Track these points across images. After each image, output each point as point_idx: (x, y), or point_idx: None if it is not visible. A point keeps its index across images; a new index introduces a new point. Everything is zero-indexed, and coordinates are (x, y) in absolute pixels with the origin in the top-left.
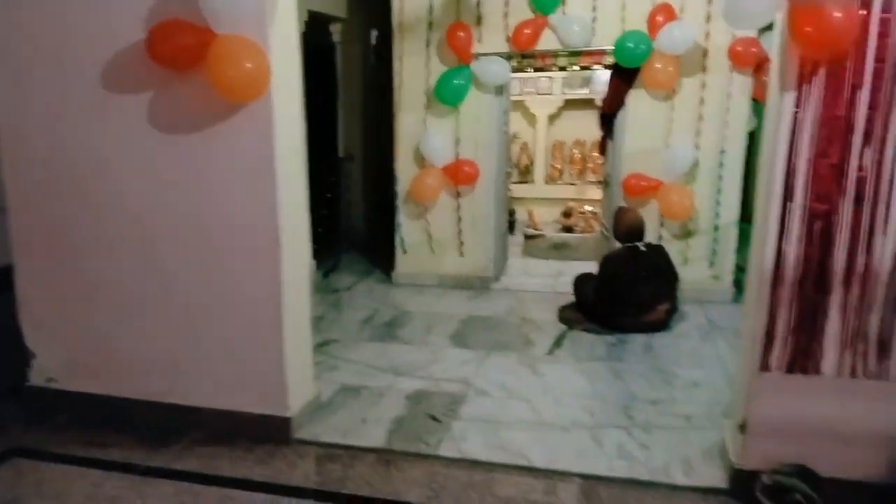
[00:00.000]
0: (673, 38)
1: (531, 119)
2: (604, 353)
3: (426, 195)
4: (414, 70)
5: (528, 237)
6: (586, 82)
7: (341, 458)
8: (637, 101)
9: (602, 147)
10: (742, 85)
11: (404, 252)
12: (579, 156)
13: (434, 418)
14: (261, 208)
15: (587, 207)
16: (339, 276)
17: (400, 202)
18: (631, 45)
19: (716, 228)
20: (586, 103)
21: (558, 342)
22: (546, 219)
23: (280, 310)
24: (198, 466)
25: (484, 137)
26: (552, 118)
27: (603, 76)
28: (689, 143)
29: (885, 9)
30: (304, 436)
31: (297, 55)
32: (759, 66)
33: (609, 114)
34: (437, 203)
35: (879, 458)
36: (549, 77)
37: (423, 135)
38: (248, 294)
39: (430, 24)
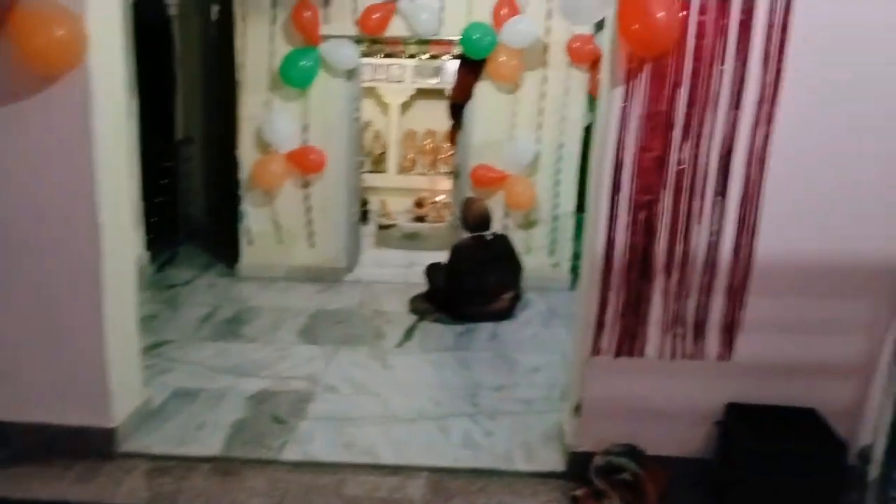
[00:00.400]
0: (516, 32)
1: (384, 107)
2: (452, 343)
3: (270, 183)
4: (258, 48)
5: (381, 227)
6: (437, 72)
7: (174, 470)
8: (484, 92)
9: (452, 137)
10: (579, 80)
11: (250, 243)
12: (431, 146)
13: (278, 420)
14: (76, 194)
15: (439, 197)
16: (177, 269)
17: (244, 190)
18: (477, 36)
19: (555, 219)
20: (438, 93)
21: (409, 334)
22: (399, 209)
23: (100, 308)
24: (5, 490)
25: (334, 123)
26: (405, 107)
27: (453, 66)
28: (532, 136)
29: (702, 11)
30: (131, 448)
31: (120, 22)
32: (594, 63)
33: (458, 104)
34: (282, 191)
35: (697, 434)
36: (401, 65)
37: (267, 118)
38: (63, 291)
39: (275, 1)
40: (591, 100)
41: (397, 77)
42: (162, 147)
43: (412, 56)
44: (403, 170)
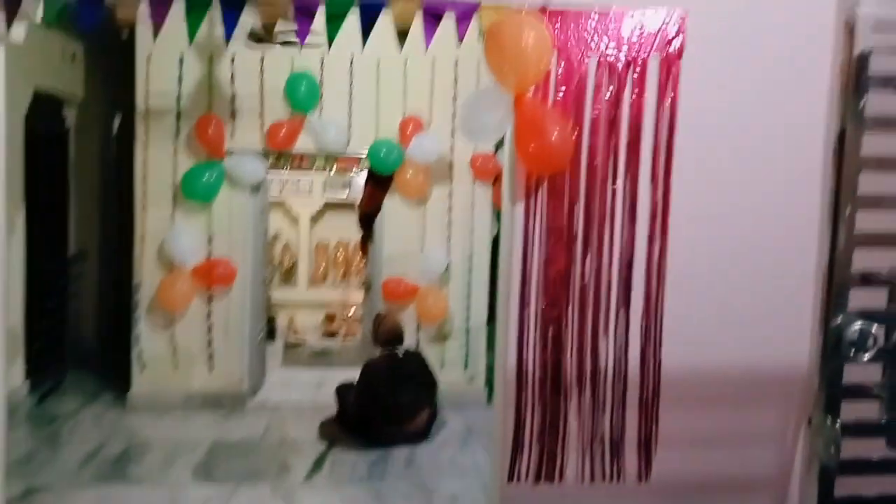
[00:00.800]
0: (422, 148)
1: (294, 219)
2: (365, 472)
3: (175, 302)
4: (160, 161)
5: (288, 345)
6: (346, 185)
7: None
8: (393, 205)
9: (363, 249)
10: (484, 194)
11: (142, 368)
12: (342, 257)
13: None
14: None
15: (351, 310)
16: (61, 400)
17: (141, 311)
18: (384, 152)
19: (468, 331)
20: (348, 206)
21: (318, 464)
22: (309, 324)
23: None
24: None
25: (239, 237)
26: (315, 219)
27: (362, 180)
28: (442, 247)
29: (593, 131)
30: None
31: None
32: (497, 178)
33: (368, 216)
34: (187, 311)
35: None
36: (310, 178)
37: (170, 233)
38: None
39: (179, 115)
40: (497, 212)
41: (307, 190)
42: (51, 264)
43: (321, 169)
44: (314, 282)
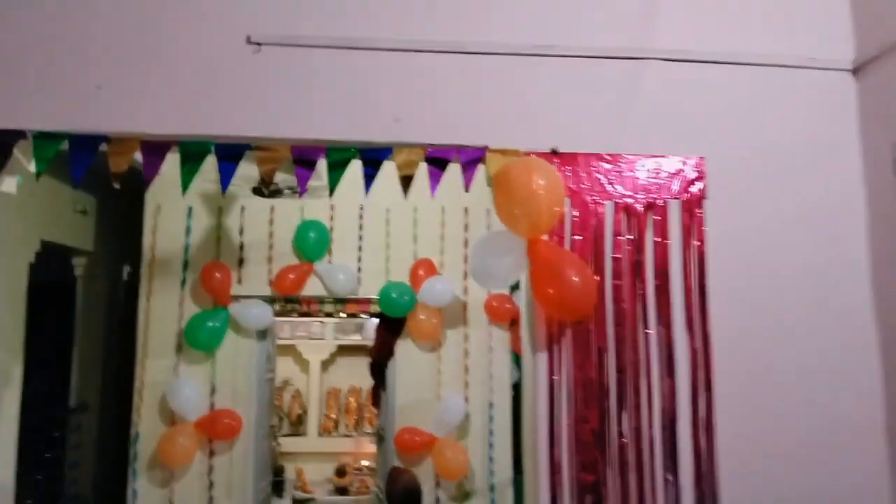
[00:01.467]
0: (434, 291)
1: (304, 365)
2: None
3: (176, 458)
4: (164, 310)
5: (296, 502)
6: (359, 328)
7: None
8: (405, 351)
9: (375, 398)
10: (501, 338)
11: None
12: (355, 404)
13: None
14: None
15: (363, 462)
16: None
17: (139, 467)
18: (394, 295)
19: (492, 488)
20: (361, 349)
21: None
22: (319, 477)
23: None
24: None
25: (243, 386)
26: (326, 364)
27: (371, 325)
28: (459, 395)
29: (616, 276)
30: None
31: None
32: (515, 320)
33: (379, 363)
34: (189, 468)
35: None
36: (321, 322)
37: (172, 384)
38: None
39: (186, 264)
40: (517, 357)
41: (318, 334)
42: (51, 415)
43: (329, 315)
44: (325, 431)
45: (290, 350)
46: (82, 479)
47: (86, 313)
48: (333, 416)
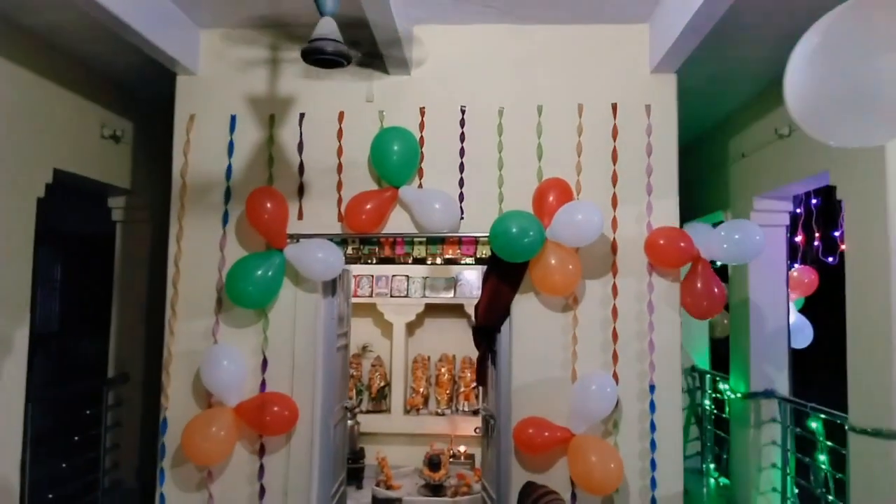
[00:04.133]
0: (573, 224)
1: (386, 327)
2: None
3: (209, 454)
4: (200, 255)
5: (375, 500)
6: (451, 284)
7: None
8: (526, 310)
9: (480, 374)
10: (666, 292)
11: None
12: (448, 376)
13: None
14: None
15: (460, 448)
16: None
17: (167, 465)
18: (515, 230)
19: (654, 502)
20: (454, 309)
21: None
22: (406, 463)
23: None
24: None
25: (304, 359)
26: (412, 327)
27: (471, 276)
28: (604, 374)
29: None
30: None
31: None
32: (694, 265)
33: (488, 328)
34: (227, 466)
35: None
36: (406, 276)
37: (209, 354)
38: None
39: (228, 192)
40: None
41: (401, 291)
42: (84, 388)
43: (419, 261)
44: (411, 407)
45: (368, 309)
46: (125, 464)
47: (124, 265)
48: (422, 390)
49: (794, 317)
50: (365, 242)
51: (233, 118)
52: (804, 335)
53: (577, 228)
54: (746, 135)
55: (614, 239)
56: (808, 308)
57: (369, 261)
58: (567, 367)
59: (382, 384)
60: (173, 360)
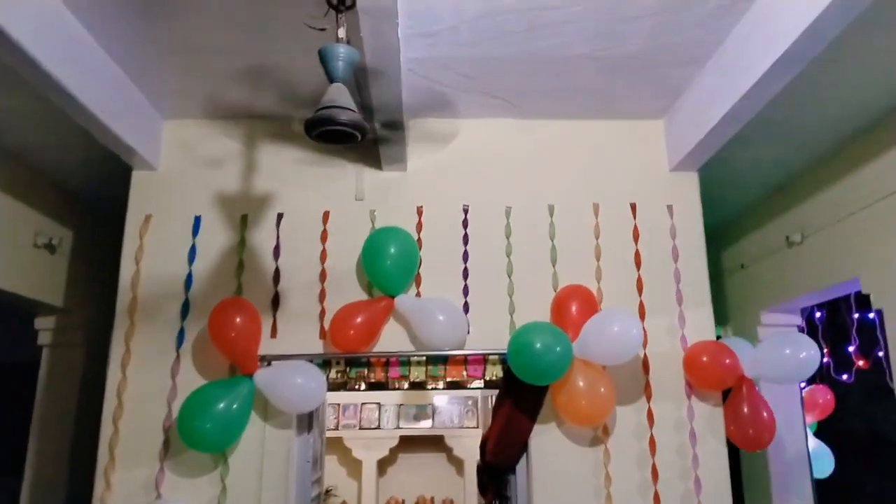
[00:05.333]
0: (609, 337)
1: (353, 466)
2: None
3: None
4: (148, 385)
5: None
6: (427, 412)
7: None
8: (546, 444)
9: None
10: (710, 418)
11: None
12: None
13: None
14: None
15: None
16: None
17: None
18: (541, 343)
19: None
20: (431, 442)
21: None
22: None
23: None
24: None
25: None
26: (383, 464)
27: (442, 401)
28: None
29: None
30: None
31: None
32: (735, 386)
33: (496, 467)
34: None
35: None
36: (378, 403)
37: None
38: None
39: (187, 305)
40: (733, 450)
41: (372, 421)
42: None
43: (416, 385)
44: None
45: (332, 445)
46: None
47: (51, 399)
48: None
49: (813, 442)
50: (352, 364)
51: (197, 219)
52: (825, 463)
53: (613, 342)
54: (746, 244)
55: (645, 355)
56: (821, 432)
57: (357, 386)
58: None
59: None
60: None
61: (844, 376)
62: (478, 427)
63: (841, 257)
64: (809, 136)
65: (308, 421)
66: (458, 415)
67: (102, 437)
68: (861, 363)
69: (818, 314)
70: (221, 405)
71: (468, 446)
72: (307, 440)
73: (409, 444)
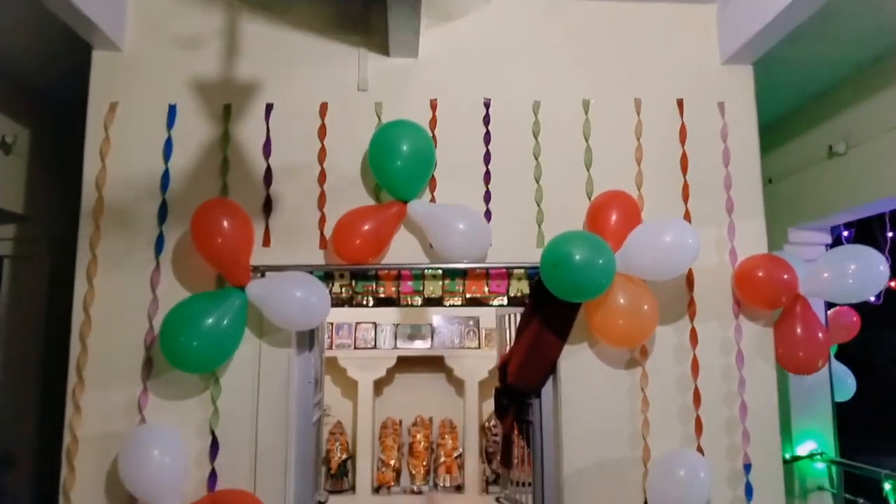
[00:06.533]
0: (659, 249)
1: (349, 387)
2: None
3: None
4: (123, 298)
5: None
6: (422, 333)
7: None
8: (577, 366)
9: (505, 454)
10: (758, 339)
11: None
12: (424, 444)
13: None
14: None
15: None
16: None
17: None
18: (580, 255)
19: None
20: (428, 363)
21: None
22: None
23: None
24: None
25: (272, 440)
26: (380, 385)
27: (444, 327)
28: (694, 453)
29: None
30: None
31: None
32: (791, 303)
33: (520, 390)
34: None
35: None
36: (374, 323)
37: (131, 439)
38: None
39: (165, 207)
40: (781, 374)
41: (368, 341)
42: None
43: (432, 301)
44: (381, 485)
45: (326, 365)
46: None
47: (14, 315)
48: (393, 462)
49: (835, 365)
50: (358, 277)
51: (171, 109)
52: (846, 387)
53: (664, 255)
54: (777, 156)
55: (690, 270)
56: (842, 355)
57: (364, 302)
58: (637, 444)
59: (344, 457)
60: (80, 448)
61: (872, 298)
62: (479, 348)
63: (889, 170)
64: (865, 37)
65: (309, 339)
66: (459, 335)
67: (71, 357)
68: (893, 284)
69: (846, 233)
70: (210, 320)
71: (469, 367)
72: (308, 359)
73: (406, 364)
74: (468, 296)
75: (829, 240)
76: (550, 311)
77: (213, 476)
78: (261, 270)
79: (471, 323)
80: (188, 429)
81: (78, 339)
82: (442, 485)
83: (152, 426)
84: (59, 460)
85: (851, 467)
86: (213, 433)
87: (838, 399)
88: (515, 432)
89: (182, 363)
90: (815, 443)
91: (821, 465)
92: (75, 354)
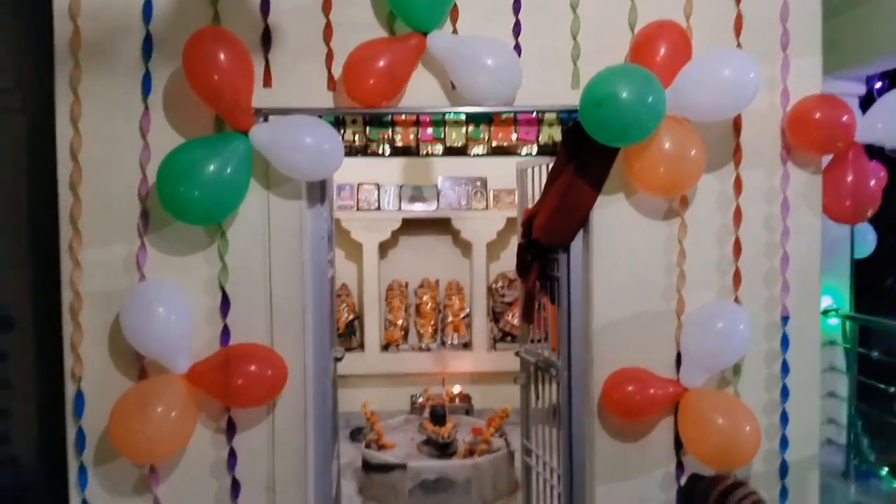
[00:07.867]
0: (718, 85)
1: (353, 249)
2: None
3: (153, 448)
4: (112, 144)
5: (368, 466)
6: (427, 194)
7: None
8: (610, 217)
9: (527, 309)
10: (807, 187)
11: None
12: (431, 305)
13: None
14: None
15: (455, 388)
16: None
17: (87, 459)
18: (626, 95)
19: (784, 469)
20: (434, 225)
21: None
22: (387, 408)
23: None
24: None
25: (287, 295)
26: (385, 247)
27: (450, 188)
28: (733, 304)
29: None
30: None
31: None
32: (844, 149)
33: (548, 244)
34: (181, 456)
35: None
36: (377, 184)
37: (132, 300)
38: None
39: (149, 40)
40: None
41: (371, 202)
42: None
43: (454, 150)
44: (389, 343)
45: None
46: (18, 434)
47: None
48: (400, 322)
49: None
50: (372, 123)
51: None
52: (867, 241)
53: (722, 92)
54: None
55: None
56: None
57: (380, 150)
58: (671, 297)
59: (351, 317)
60: (84, 306)
61: None
62: (486, 209)
63: None
64: None
65: (320, 191)
66: (466, 196)
67: (62, 209)
68: None
69: (878, 84)
70: (211, 167)
71: (476, 228)
72: (320, 213)
73: (411, 226)
74: (494, 143)
75: (863, 90)
76: (585, 159)
77: (225, 332)
78: (263, 114)
79: (478, 184)
80: (195, 285)
81: (68, 189)
82: (450, 342)
83: (153, 283)
84: (58, 321)
85: (866, 321)
86: (222, 289)
87: (858, 256)
88: (537, 288)
89: (182, 215)
90: (831, 298)
91: (834, 321)
92: (67, 206)
